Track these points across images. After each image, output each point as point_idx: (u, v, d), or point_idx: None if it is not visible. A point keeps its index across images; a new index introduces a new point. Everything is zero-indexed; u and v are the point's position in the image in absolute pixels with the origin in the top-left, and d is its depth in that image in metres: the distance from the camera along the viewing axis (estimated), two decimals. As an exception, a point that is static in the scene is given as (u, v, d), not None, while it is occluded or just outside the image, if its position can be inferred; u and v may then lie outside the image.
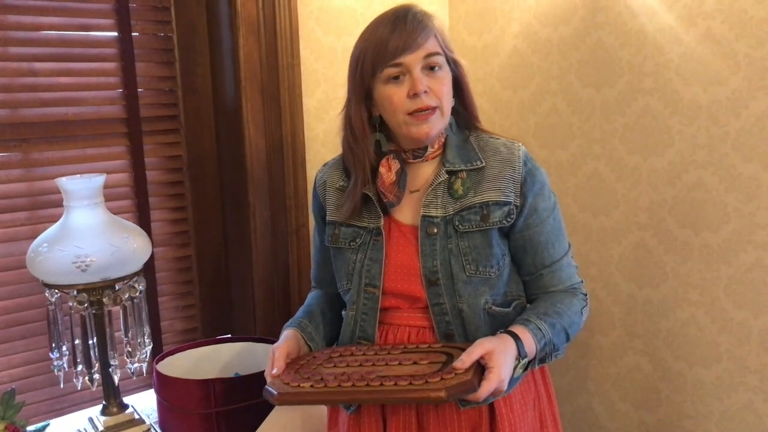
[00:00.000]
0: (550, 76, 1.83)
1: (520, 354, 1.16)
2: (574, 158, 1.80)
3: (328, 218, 1.37)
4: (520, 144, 1.30)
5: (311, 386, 1.13)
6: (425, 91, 1.21)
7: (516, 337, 1.17)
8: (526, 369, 1.20)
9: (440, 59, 1.23)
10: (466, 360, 1.10)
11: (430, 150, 1.29)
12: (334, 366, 1.20)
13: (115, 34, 1.77)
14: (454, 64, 1.27)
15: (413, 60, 1.20)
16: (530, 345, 1.18)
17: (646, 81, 1.61)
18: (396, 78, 1.22)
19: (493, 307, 1.26)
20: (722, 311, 1.54)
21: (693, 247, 1.58)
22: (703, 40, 1.49)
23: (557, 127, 1.83)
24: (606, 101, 1.70)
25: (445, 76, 1.25)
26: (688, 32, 1.51)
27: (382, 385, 1.09)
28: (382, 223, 1.29)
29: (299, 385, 1.14)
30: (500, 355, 1.12)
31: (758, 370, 1.50)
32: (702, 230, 1.56)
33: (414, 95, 1.21)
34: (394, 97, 1.22)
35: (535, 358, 1.21)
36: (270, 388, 1.16)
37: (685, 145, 1.56)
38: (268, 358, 1.25)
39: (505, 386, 1.12)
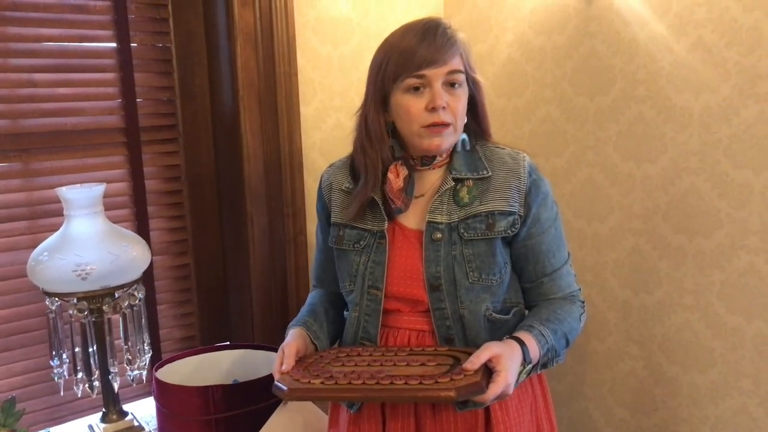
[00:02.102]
0: (544, 84, 1.85)
1: (525, 359, 1.18)
2: (569, 165, 1.82)
3: (333, 220, 1.38)
4: (525, 154, 1.32)
5: (322, 383, 1.15)
6: (443, 107, 1.22)
7: (521, 343, 1.19)
8: (529, 374, 1.23)
9: (461, 77, 1.25)
10: (475, 361, 1.12)
11: (438, 159, 1.31)
12: (343, 365, 1.22)
13: (114, 44, 1.78)
14: (473, 83, 1.29)
15: (437, 74, 1.22)
16: (534, 350, 1.20)
17: (639, 89, 1.62)
18: (416, 89, 1.23)
19: (493, 314, 1.28)
20: (716, 316, 1.56)
21: (687, 252, 1.59)
22: (694, 49, 1.51)
23: (551, 134, 1.85)
24: (599, 109, 1.72)
25: (463, 93, 1.27)
26: (680, 41, 1.53)
27: (392, 383, 1.11)
28: (386, 227, 1.31)
29: (310, 382, 1.16)
30: (507, 360, 1.14)
31: (752, 374, 1.51)
32: (695, 236, 1.57)
33: (432, 109, 1.22)
34: (412, 108, 1.24)
35: (538, 363, 1.23)
36: (280, 384, 1.17)
37: (678, 151, 1.57)
38: (277, 355, 1.26)
39: (511, 390, 1.14)
